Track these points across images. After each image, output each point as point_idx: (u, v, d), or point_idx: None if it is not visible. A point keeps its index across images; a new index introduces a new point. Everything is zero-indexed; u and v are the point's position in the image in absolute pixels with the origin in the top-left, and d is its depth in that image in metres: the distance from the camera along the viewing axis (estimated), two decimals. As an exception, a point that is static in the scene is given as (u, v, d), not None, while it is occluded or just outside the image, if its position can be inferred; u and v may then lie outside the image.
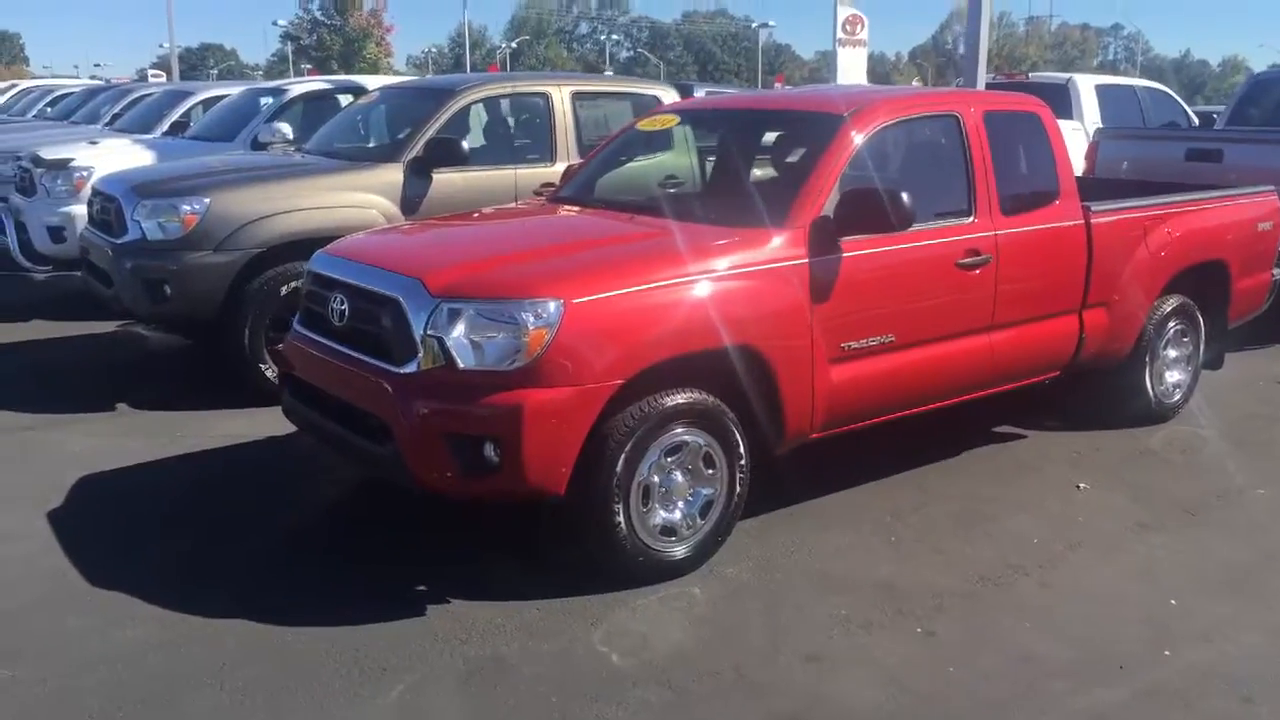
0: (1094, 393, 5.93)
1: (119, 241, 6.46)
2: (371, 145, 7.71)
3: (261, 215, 6.35)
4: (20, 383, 7.00)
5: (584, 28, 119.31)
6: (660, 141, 5.78)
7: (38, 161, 8.84)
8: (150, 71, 56.79)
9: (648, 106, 8.00)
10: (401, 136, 7.13)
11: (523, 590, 4.02)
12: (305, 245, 6.28)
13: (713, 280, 4.06)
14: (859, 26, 38.74)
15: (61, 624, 3.79)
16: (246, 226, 6.30)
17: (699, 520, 4.16)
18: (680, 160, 5.78)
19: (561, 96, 7.56)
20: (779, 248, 4.26)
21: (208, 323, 6.40)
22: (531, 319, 3.71)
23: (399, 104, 7.93)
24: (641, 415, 3.87)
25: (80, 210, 8.48)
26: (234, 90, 12.56)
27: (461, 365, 3.78)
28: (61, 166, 8.71)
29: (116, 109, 14.42)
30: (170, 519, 4.76)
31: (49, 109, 19.47)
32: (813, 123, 4.85)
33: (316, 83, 10.03)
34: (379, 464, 4.04)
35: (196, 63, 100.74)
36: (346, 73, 48.38)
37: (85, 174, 8.68)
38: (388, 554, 4.39)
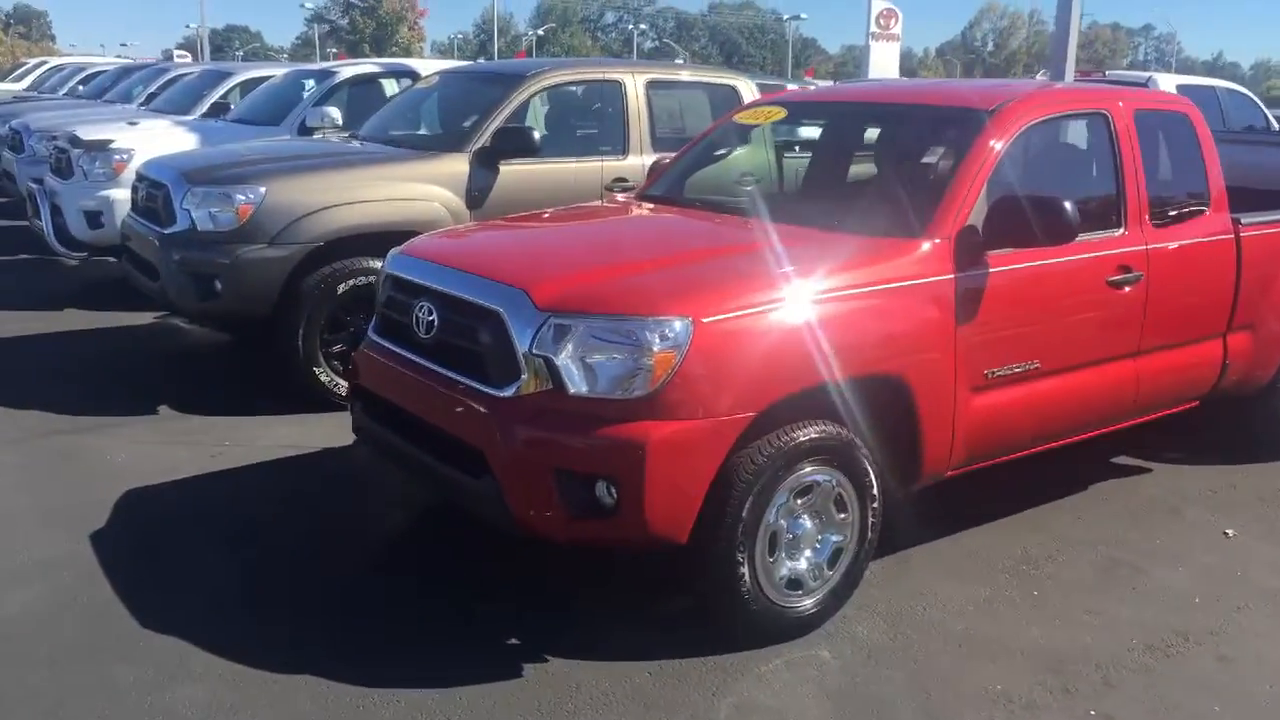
0: (1228, 421, 5.39)
1: (166, 231, 6.00)
2: (433, 133, 7.22)
3: (320, 207, 5.87)
4: (55, 380, 6.54)
5: (609, 17, 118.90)
6: (760, 137, 5.26)
7: (75, 142, 8.40)
8: (176, 52, 56.47)
9: (725, 97, 7.52)
10: (467, 125, 6.63)
11: (629, 646, 3.53)
12: (364, 240, 5.87)
13: (855, 297, 3.56)
14: (893, 21, 38.13)
15: (108, 675, 3.33)
16: (304, 218, 5.83)
17: (827, 571, 3.67)
18: (787, 158, 5.25)
19: (635, 85, 7.05)
20: (923, 261, 3.75)
21: (259, 322, 5.93)
22: (657, 340, 3.21)
23: (461, 90, 7.44)
24: (770, 453, 3.37)
25: (120, 194, 8.06)
26: (274, 72, 12.14)
27: (572, 390, 3.29)
28: (101, 148, 8.27)
29: (152, 89, 14.00)
30: (226, 545, 4.30)
31: (80, 87, 19.08)
32: (951, 120, 4.33)
33: (365, 65, 9.54)
34: (472, 499, 3.56)
35: (221, 44, 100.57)
36: (378, 56, 48.03)
37: (125, 157, 8.24)
38: (471, 590, 3.92)
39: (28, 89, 22.29)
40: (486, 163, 6.40)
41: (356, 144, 6.97)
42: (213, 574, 4.04)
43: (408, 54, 47.63)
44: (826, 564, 3.66)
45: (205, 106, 11.39)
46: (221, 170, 6.07)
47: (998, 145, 4.05)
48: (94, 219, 8.24)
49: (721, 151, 5.27)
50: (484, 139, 6.42)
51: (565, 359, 3.30)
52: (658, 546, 3.33)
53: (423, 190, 6.21)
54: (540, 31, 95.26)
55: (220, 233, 5.83)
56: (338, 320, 5.99)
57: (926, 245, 3.79)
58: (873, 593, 3.92)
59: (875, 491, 3.70)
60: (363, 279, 5.95)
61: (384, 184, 6.12)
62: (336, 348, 6.01)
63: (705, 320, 3.26)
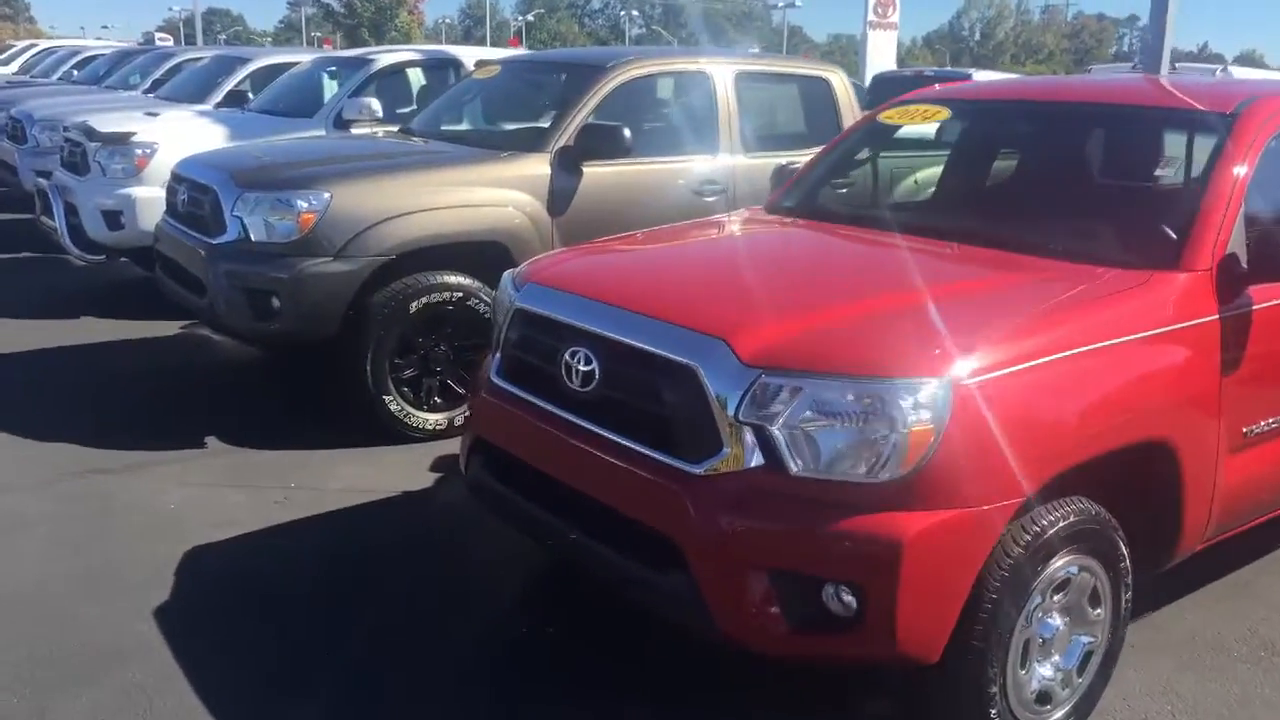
0: None
1: (215, 242, 5.28)
2: (503, 130, 6.50)
3: (391, 215, 5.17)
4: (81, 404, 5.83)
5: (596, 2, 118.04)
6: (912, 140, 4.59)
7: (92, 135, 7.65)
8: (158, 35, 55.44)
9: (816, 89, 6.86)
10: (545, 122, 5.93)
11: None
12: (438, 252, 5.20)
13: (1120, 346, 2.90)
14: (890, 9, 37.29)
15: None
16: (374, 228, 5.13)
17: (1076, 678, 3.02)
18: (954, 165, 4.54)
19: (724, 77, 6.36)
20: (1185, 299, 3.10)
21: (321, 344, 5.23)
22: (910, 408, 2.54)
23: (529, 82, 6.76)
24: (1027, 542, 2.71)
25: (143, 193, 7.36)
26: (293, 58, 11.37)
27: (794, 470, 2.62)
28: (121, 142, 7.52)
29: (158, 74, 13.21)
30: (318, 623, 3.61)
31: (74, 72, 18.23)
32: (1187, 123, 3.66)
33: (403, 52, 8.81)
34: (655, 596, 2.89)
35: (203, 27, 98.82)
36: (378, 42, 47.01)
37: (148, 151, 7.51)
38: (608, 682, 3.26)
39: (16, 73, 21.38)
40: (569, 164, 5.71)
41: (419, 141, 6.25)
42: (309, 664, 3.36)
43: (408, 39, 46.62)
44: (1076, 670, 3.01)
45: (220, 95, 10.62)
46: (278, 172, 5.36)
47: (1248, 155, 3.38)
48: (114, 219, 7.51)
49: (864, 156, 4.60)
50: (567, 137, 5.73)
51: (784, 429, 2.63)
52: (903, 664, 2.66)
53: (502, 195, 5.51)
54: (530, 17, 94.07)
55: (278, 244, 5.12)
56: (408, 342, 5.30)
57: (1185, 278, 3.13)
58: (1107, 693, 3.26)
59: (1129, 579, 3.04)
60: (437, 296, 5.27)
61: (459, 189, 5.43)
62: (407, 373, 5.32)
63: (967, 382, 2.59)
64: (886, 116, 4.54)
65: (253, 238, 5.15)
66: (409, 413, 5.32)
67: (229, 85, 10.73)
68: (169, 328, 7.49)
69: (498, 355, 3.51)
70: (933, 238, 3.58)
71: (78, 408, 5.75)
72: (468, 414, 3.67)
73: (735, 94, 6.36)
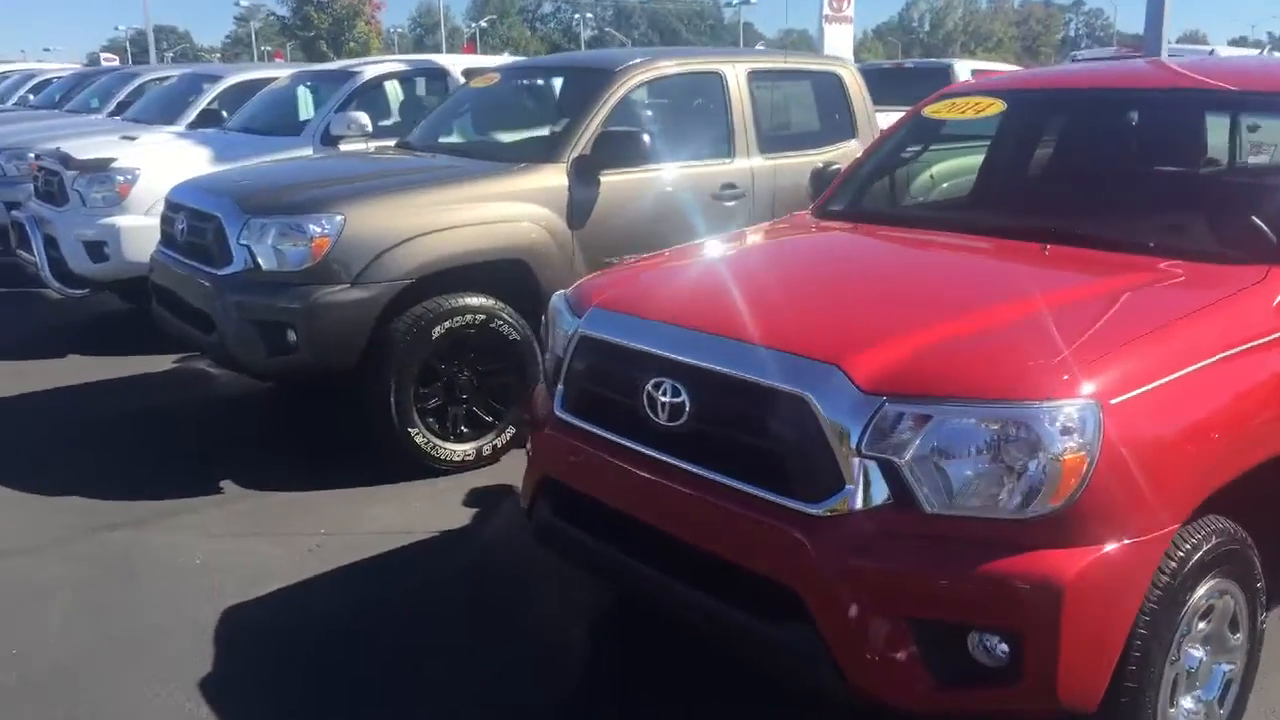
0: None
1: (221, 273, 4.98)
2: (510, 141, 6.23)
3: (409, 236, 4.90)
4: (83, 452, 5.50)
5: (547, 7, 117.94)
6: (959, 133, 4.37)
7: (68, 163, 7.30)
8: (103, 56, 54.58)
9: (830, 85, 6.64)
10: (558, 129, 5.68)
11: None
12: (459, 274, 4.93)
13: (1261, 349, 2.69)
14: (845, 3, 37.54)
15: None
16: (391, 251, 4.85)
17: (1218, 709, 2.81)
18: (1018, 160, 4.29)
19: (737, 76, 6.13)
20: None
21: (341, 377, 4.94)
22: (1058, 435, 2.31)
23: (532, 88, 6.49)
24: (1173, 570, 2.49)
25: (127, 221, 7.04)
26: (267, 74, 11.04)
27: (930, 508, 2.39)
28: (100, 169, 7.18)
29: (121, 95, 12.80)
30: (381, 690, 3.33)
31: (30, 96, 17.71)
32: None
33: (389, 64, 8.50)
34: (772, 652, 2.64)
35: (147, 45, 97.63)
36: (336, 54, 46.32)
37: (129, 178, 7.18)
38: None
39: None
40: (586, 174, 5.46)
41: (424, 156, 5.97)
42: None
43: (366, 49, 45.98)
44: (1218, 701, 2.79)
45: (192, 115, 10.28)
46: (286, 196, 5.06)
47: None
48: (97, 251, 7.16)
49: (912, 151, 4.37)
50: (582, 146, 5.47)
51: (914, 461, 2.39)
52: (1060, 717, 2.43)
53: (520, 210, 5.25)
54: (484, 23, 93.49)
55: (291, 272, 4.84)
56: (431, 370, 5.03)
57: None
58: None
59: (1264, 600, 2.84)
60: (459, 320, 5.00)
61: (476, 205, 5.15)
62: (432, 403, 5.05)
63: (1115, 403, 2.36)
64: (932, 111, 4.32)
65: (263, 267, 4.86)
66: (436, 445, 5.05)
67: (200, 104, 10.40)
68: (162, 362, 7.16)
69: (560, 388, 3.25)
70: (1018, 239, 3.35)
71: (79, 457, 5.42)
72: (529, 452, 3.39)
73: (749, 93, 6.13)
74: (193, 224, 5.25)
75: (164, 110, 10.91)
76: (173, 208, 5.56)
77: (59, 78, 18.24)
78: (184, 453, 5.48)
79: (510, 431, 5.26)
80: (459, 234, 5.04)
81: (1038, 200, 3.61)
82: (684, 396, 2.77)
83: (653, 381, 2.84)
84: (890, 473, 2.42)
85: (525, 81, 6.72)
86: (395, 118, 8.46)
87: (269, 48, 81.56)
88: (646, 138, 5.37)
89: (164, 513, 4.72)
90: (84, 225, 7.20)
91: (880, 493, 2.43)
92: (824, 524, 2.46)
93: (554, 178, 5.38)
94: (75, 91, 15.39)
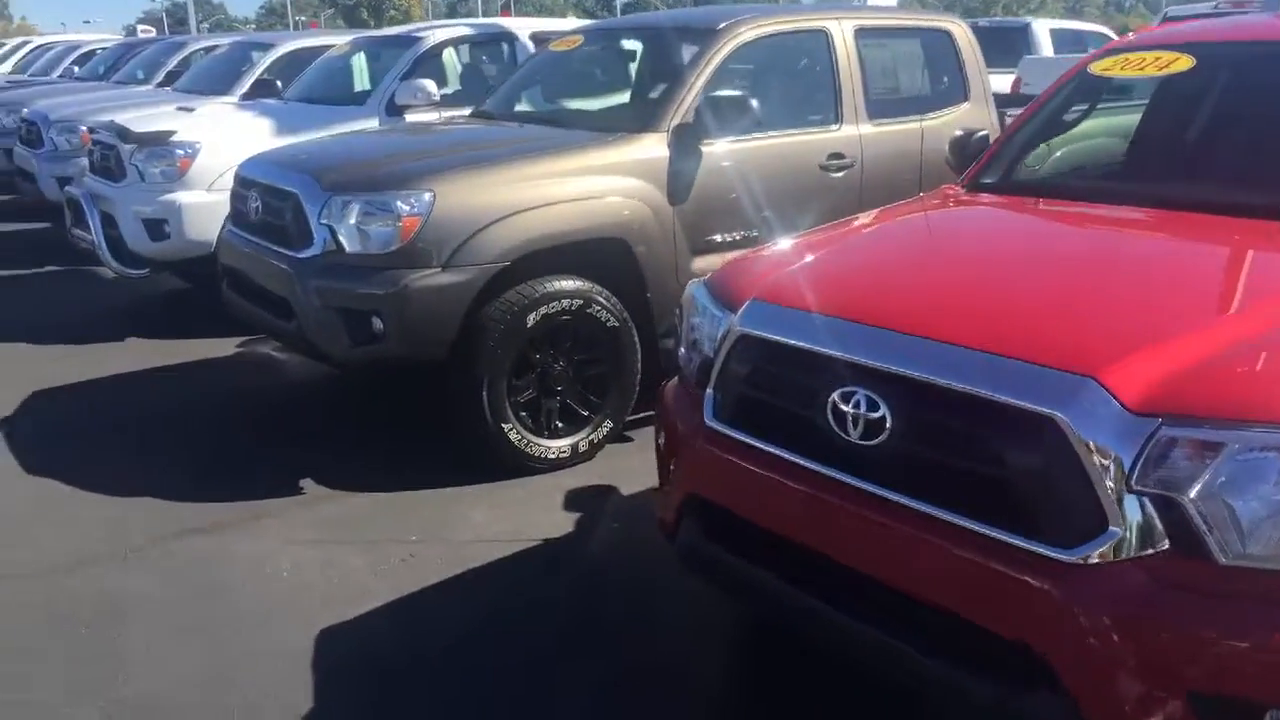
0: None
1: (301, 256, 4.58)
2: (601, 108, 5.77)
3: (504, 213, 4.48)
4: (151, 447, 5.15)
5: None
6: (1139, 92, 3.87)
7: (125, 136, 6.93)
8: (140, 28, 54.50)
9: (940, 44, 6.14)
10: (655, 95, 5.21)
11: None
12: (554, 255, 4.50)
13: None
14: None
15: None
16: (485, 231, 4.43)
17: None
18: (1210, 121, 3.74)
19: (844, 35, 5.63)
20: None
21: (431, 368, 4.55)
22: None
23: (620, 51, 6.01)
24: None
25: (189, 198, 6.66)
26: (320, 41, 10.65)
27: (1223, 556, 1.94)
28: (160, 142, 6.80)
29: (170, 65, 12.44)
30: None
31: (75, 68, 17.42)
32: None
33: (454, 28, 8.05)
34: (995, 712, 2.20)
35: (183, 17, 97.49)
36: (377, 23, 45.70)
37: (190, 152, 6.80)
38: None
39: (12, 73, 20.55)
40: (688, 144, 5.00)
41: (510, 125, 5.54)
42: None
43: (407, 18, 45.30)
44: None
45: (246, 85, 9.89)
46: (369, 171, 4.65)
47: None
48: (157, 229, 6.80)
49: (1076, 114, 3.88)
50: (684, 113, 5.01)
51: (1202, 499, 1.95)
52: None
53: (620, 184, 4.81)
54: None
55: (377, 255, 4.43)
56: (525, 360, 4.61)
57: None
58: None
59: None
60: (555, 305, 4.58)
61: (574, 179, 4.72)
62: (525, 395, 4.64)
63: None
64: (1101, 68, 3.82)
65: (346, 248, 4.46)
66: (530, 441, 4.65)
67: (254, 74, 10.00)
68: (224, 346, 6.81)
69: (711, 393, 2.81)
70: (1248, 216, 2.87)
71: (147, 450, 5.08)
72: (670, 465, 2.97)
73: (856, 53, 5.64)
74: (268, 202, 4.85)
75: (215, 80, 10.54)
76: (244, 184, 5.16)
77: (103, 49, 17.95)
78: (258, 448, 5.11)
79: (607, 426, 4.86)
80: (556, 211, 4.61)
81: (1260, 170, 3.11)
82: (883, 411, 2.33)
83: (840, 391, 2.40)
84: (1170, 513, 1.97)
85: (612, 44, 6.24)
86: (459, 86, 8.00)
87: (303, 18, 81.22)
88: (755, 103, 4.90)
89: (244, 516, 4.35)
90: (143, 202, 6.84)
91: (1156, 537, 1.99)
92: (1081, 574, 2.03)
93: (654, 148, 4.93)
94: (121, 63, 15.06)
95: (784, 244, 3.26)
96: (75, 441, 5.20)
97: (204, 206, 6.76)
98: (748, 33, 5.32)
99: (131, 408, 5.69)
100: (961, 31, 6.16)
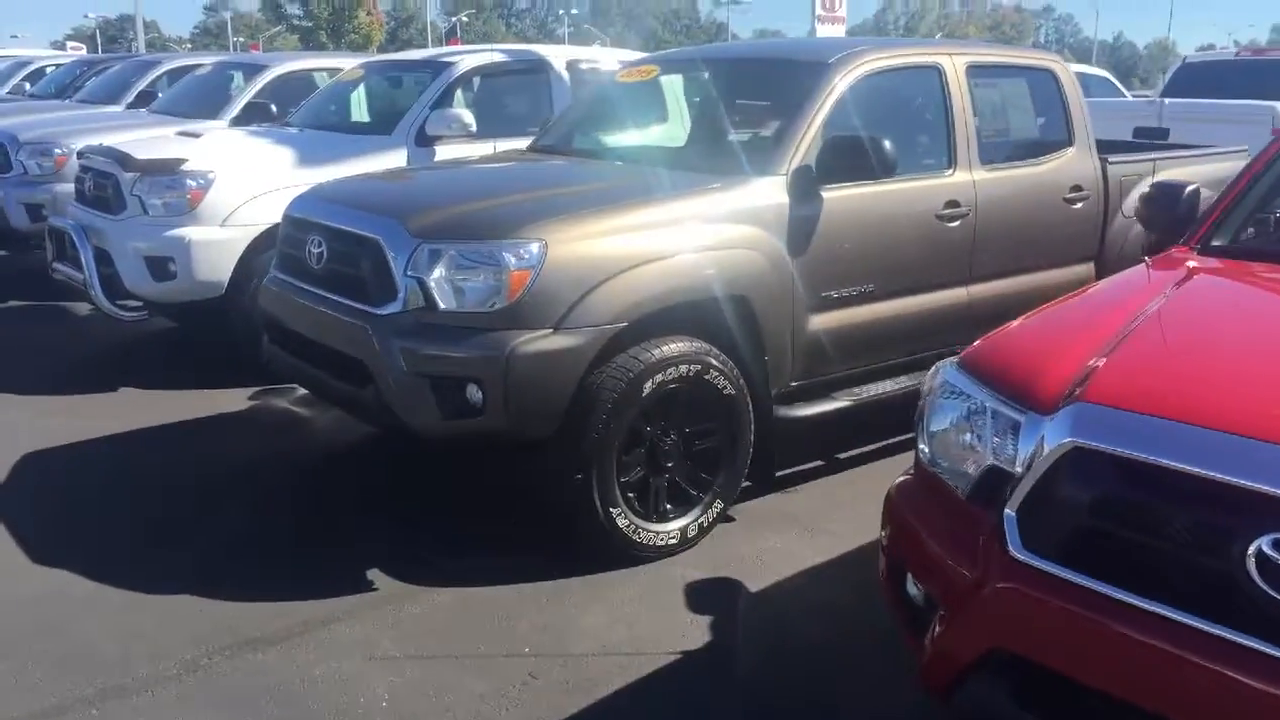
0: None
1: (382, 312, 3.90)
2: (694, 146, 5.17)
3: (621, 267, 3.88)
4: (180, 528, 4.44)
5: (523, 2, 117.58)
6: None
7: (126, 163, 6.19)
8: (70, 44, 53.16)
9: (1044, 83, 5.68)
10: (767, 133, 4.65)
11: None
12: (672, 314, 3.91)
13: None
14: (838, 3, 37.28)
15: None
16: (602, 287, 3.82)
17: None
18: None
19: (956, 71, 5.12)
20: None
21: (534, 440, 3.91)
22: None
23: (704, 82, 5.42)
24: None
25: (198, 234, 5.97)
26: (318, 63, 9.97)
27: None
28: (168, 171, 6.08)
29: (142, 85, 11.61)
30: None
31: (27, 85, 16.43)
32: None
33: (489, 54, 7.41)
34: None
35: (116, 34, 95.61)
36: (336, 46, 44.79)
37: (202, 182, 6.09)
38: None
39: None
40: (808, 190, 4.44)
41: (595, 164, 4.93)
42: None
43: (368, 41, 44.34)
44: None
45: (237, 108, 9.17)
46: (467, 215, 4.00)
47: None
48: (161, 268, 6.07)
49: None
50: (803, 154, 4.45)
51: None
52: None
53: (740, 234, 4.23)
54: (464, 17, 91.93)
55: (477, 313, 3.78)
56: (635, 433, 3.99)
57: None
58: None
59: None
60: (673, 371, 3.97)
61: (691, 228, 4.12)
62: (634, 474, 4.02)
63: None
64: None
65: (439, 305, 3.80)
66: (638, 527, 4.03)
67: (246, 97, 9.28)
68: (232, 398, 6.08)
69: (1017, 516, 2.22)
70: None
71: (166, 536, 4.35)
72: (962, 610, 2.36)
73: (968, 91, 5.12)
74: (337, 248, 4.17)
75: (199, 103, 9.80)
76: (299, 226, 4.46)
77: (58, 65, 16.99)
78: (302, 529, 4.41)
79: (718, 506, 4.26)
80: (676, 265, 4.01)
81: None
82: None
83: (1272, 538, 1.82)
84: None
85: (694, 76, 5.65)
86: (489, 117, 7.35)
87: (240, 39, 79.70)
88: (889, 144, 4.35)
89: (311, 621, 3.66)
90: (145, 237, 6.10)
91: None
92: None
93: (773, 193, 4.36)
94: (81, 81, 14.17)
95: (1055, 319, 2.68)
96: (76, 525, 4.42)
97: (216, 244, 6.05)
98: (863, 67, 4.78)
99: (139, 479, 4.94)
100: (1064, 70, 5.70)
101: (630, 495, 4.03)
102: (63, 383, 6.38)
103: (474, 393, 3.75)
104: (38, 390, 6.21)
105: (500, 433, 3.81)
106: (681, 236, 4.06)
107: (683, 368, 4.01)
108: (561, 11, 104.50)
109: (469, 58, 7.18)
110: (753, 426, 4.31)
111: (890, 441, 5.22)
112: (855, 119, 4.70)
